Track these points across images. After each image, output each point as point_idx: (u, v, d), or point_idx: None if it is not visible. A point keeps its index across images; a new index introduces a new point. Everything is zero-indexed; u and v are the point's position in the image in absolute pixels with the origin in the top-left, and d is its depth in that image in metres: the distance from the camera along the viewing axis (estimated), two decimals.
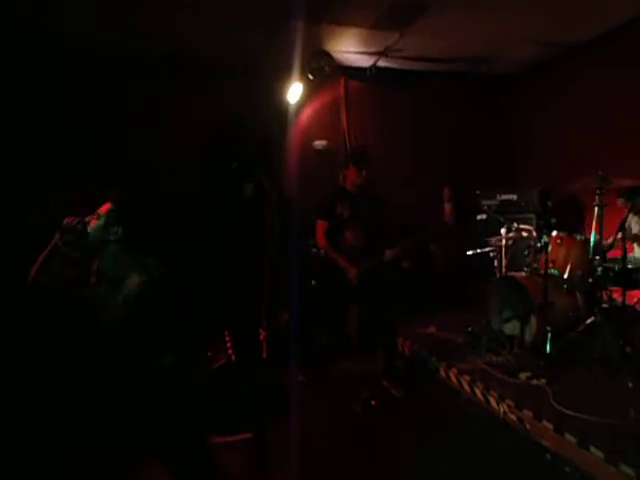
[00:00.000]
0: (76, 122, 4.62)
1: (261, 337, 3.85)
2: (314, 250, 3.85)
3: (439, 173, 5.97)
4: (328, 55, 5.04)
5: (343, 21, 4.48)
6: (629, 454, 2.30)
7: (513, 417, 3.01)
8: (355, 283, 3.57)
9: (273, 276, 4.61)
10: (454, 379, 3.67)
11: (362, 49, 5.19)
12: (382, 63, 5.55)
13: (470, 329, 4.30)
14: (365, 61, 5.52)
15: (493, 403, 3.20)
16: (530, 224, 4.73)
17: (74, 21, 4.27)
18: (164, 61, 4.92)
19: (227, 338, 3.47)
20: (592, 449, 2.43)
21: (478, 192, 5.68)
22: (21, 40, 4.52)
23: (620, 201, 3.92)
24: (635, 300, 3.72)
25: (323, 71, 5.06)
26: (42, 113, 4.54)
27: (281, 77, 5.08)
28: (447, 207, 6.01)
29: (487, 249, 4.87)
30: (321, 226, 3.72)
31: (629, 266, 3.59)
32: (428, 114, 6.06)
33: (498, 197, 5.54)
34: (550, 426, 2.73)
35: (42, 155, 4.48)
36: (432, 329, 4.76)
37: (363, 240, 3.67)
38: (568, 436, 2.59)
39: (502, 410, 3.11)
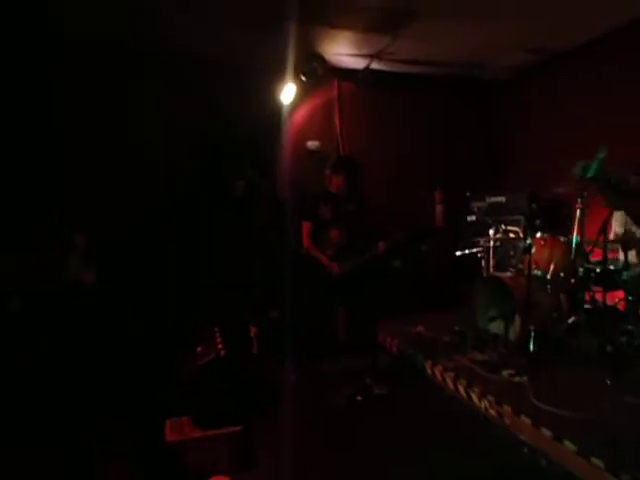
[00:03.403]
0: (64, 117, 4.67)
1: (251, 333, 3.95)
2: (303, 250, 3.95)
3: (430, 175, 6.07)
4: (321, 57, 5.13)
5: (336, 24, 4.56)
6: (600, 447, 2.38)
7: (493, 412, 3.10)
8: (337, 279, 3.69)
9: (264, 274, 4.72)
10: (439, 376, 3.76)
11: (355, 52, 5.27)
12: (375, 66, 5.63)
13: (457, 328, 4.39)
14: (358, 63, 5.60)
15: (475, 399, 3.29)
16: (518, 226, 4.83)
17: (57, 15, 4.26)
18: (155, 59, 4.95)
19: (217, 334, 3.54)
20: (566, 442, 2.51)
21: (468, 194, 5.77)
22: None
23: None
24: (616, 300, 3.81)
25: (316, 73, 5.14)
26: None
27: (274, 78, 5.15)
28: (438, 209, 6.12)
29: (475, 250, 4.97)
30: (306, 227, 3.88)
31: (610, 267, 3.70)
32: (419, 116, 6.15)
33: (487, 199, 5.63)
34: (528, 421, 2.81)
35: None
36: (420, 328, 4.85)
37: (347, 239, 3.81)
38: (544, 430, 2.68)
39: (483, 406, 3.20)
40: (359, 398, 3.56)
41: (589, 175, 3.20)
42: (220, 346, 3.40)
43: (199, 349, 3.50)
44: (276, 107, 5.32)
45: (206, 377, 3.25)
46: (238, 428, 2.93)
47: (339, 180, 3.84)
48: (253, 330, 3.98)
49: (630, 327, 3.53)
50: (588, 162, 3.44)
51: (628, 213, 3.82)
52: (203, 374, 3.27)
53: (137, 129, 4.85)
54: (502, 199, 5.52)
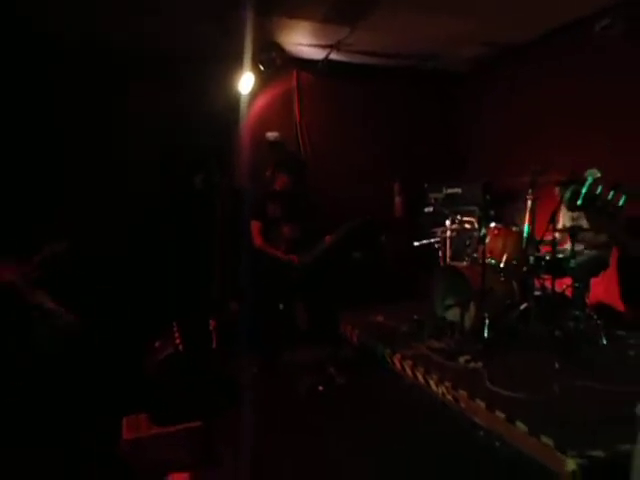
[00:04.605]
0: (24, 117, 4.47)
1: (210, 327, 3.90)
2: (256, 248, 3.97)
3: (389, 166, 6.13)
4: (279, 47, 5.07)
5: (293, 14, 4.51)
6: (550, 426, 2.49)
7: (450, 398, 3.19)
8: (297, 270, 3.72)
9: (223, 267, 4.65)
10: (398, 364, 3.83)
11: (314, 42, 5.24)
12: (334, 56, 5.62)
13: (415, 317, 4.49)
14: (317, 54, 5.57)
15: (433, 386, 3.37)
16: (473, 216, 4.96)
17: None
18: (109, 51, 4.80)
19: (175, 328, 3.47)
20: (518, 423, 2.62)
21: (426, 185, 5.88)
22: None
23: (556, 190, 4.15)
24: (564, 287, 3.99)
25: (274, 63, 5.08)
26: None
27: (232, 68, 5.05)
28: (397, 200, 6.20)
29: (433, 240, 5.07)
30: (256, 226, 3.93)
31: (559, 256, 3.86)
32: (379, 108, 6.19)
33: (444, 190, 5.75)
34: (483, 404, 2.91)
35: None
36: (379, 317, 4.92)
37: (299, 233, 3.89)
38: (498, 413, 2.78)
39: (441, 392, 3.28)
40: (320, 388, 3.58)
41: (579, 203, 3.26)
42: (178, 341, 3.33)
43: (157, 344, 3.43)
44: (234, 97, 5.22)
45: (164, 372, 3.18)
46: (198, 424, 2.89)
47: (283, 179, 4.00)
48: (212, 323, 3.92)
49: (577, 313, 3.71)
50: (577, 187, 3.44)
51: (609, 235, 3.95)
52: (161, 369, 3.20)
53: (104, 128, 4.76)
54: (458, 190, 5.65)
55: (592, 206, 3.21)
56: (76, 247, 3.88)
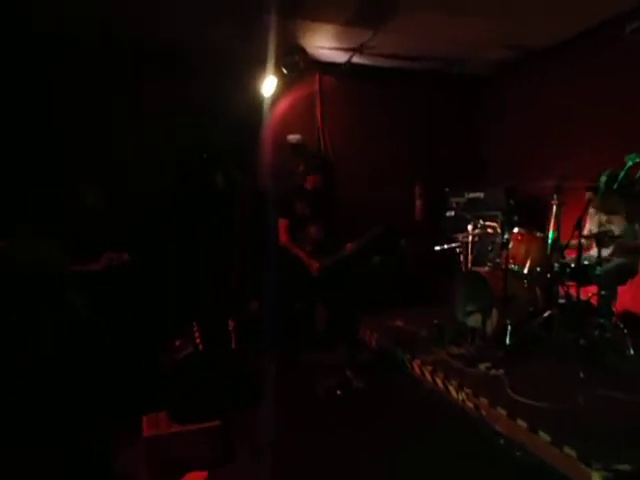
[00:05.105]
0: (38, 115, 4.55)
1: (230, 327, 3.92)
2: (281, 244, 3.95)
3: (411, 169, 6.09)
4: (302, 50, 5.08)
5: (317, 17, 4.52)
6: (573, 437, 2.44)
7: (470, 405, 3.14)
8: (317, 276, 3.71)
9: (243, 267, 4.68)
10: (417, 370, 3.79)
11: (336, 45, 5.24)
12: (356, 59, 5.61)
13: (435, 322, 4.44)
14: (339, 57, 5.57)
15: (453, 392, 3.33)
16: (496, 221, 4.89)
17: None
18: (134, 50, 4.86)
19: (195, 327, 3.50)
20: (541, 433, 2.57)
21: (447, 189, 5.83)
22: None
23: (588, 194, 4.04)
24: (589, 295, 3.90)
25: (297, 66, 5.10)
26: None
27: (255, 71, 5.09)
28: (418, 204, 6.16)
29: (454, 245, 5.02)
30: (283, 224, 3.89)
31: (585, 262, 3.77)
32: (401, 111, 6.16)
33: (466, 195, 5.70)
34: (504, 412, 2.86)
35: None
36: (399, 322, 4.88)
37: (326, 235, 3.85)
38: (520, 421, 2.73)
39: (461, 398, 3.24)
40: (338, 391, 3.57)
41: (615, 187, 3.13)
42: (198, 340, 3.36)
43: (177, 343, 3.46)
44: (257, 100, 5.26)
45: (184, 371, 3.21)
46: (217, 423, 2.91)
47: (315, 178, 3.92)
48: (231, 323, 3.95)
49: (602, 321, 3.62)
50: (615, 170, 3.27)
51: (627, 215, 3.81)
52: (181, 368, 3.23)
53: (121, 125, 4.79)
54: (481, 195, 5.58)
55: (629, 191, 3.09)
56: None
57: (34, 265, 3.10)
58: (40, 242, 3.21)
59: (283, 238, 3.87)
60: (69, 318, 3.17)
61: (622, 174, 3.05)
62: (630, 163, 3.07)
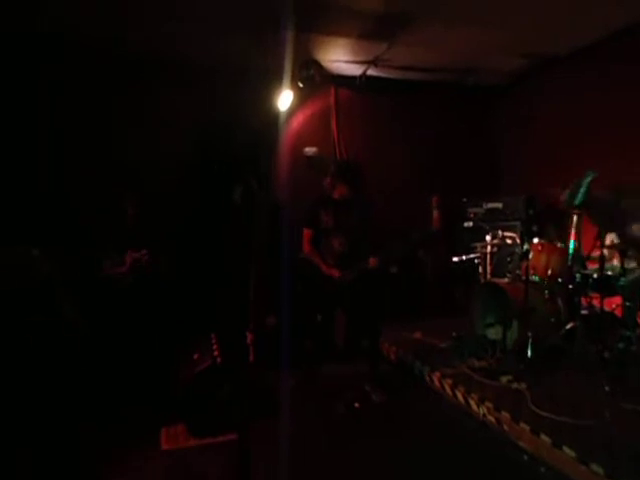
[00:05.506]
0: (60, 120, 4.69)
1: (248, 340, 3.91)
2: (301, 255, 3.93)
3: (427, 180, 6.06)
4: (318, 64, 5.13)
5: (331, 31, 4.57)
6: (600, 454, 2.37)
7: (492, 419, 3.08)
8: (338, 285, 3.66)
9: (261, 280, 4.68)
10: (437, 383, 3.74)
11: (351, 58, 5.29)
12: (372, 72, 5.65)
13: (454, 334, 4.38)
14: (355, 70, 5.62)
15: (473, 406, 3.27)
16: (515, 231, 4.83)
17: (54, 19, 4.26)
18: (151, 63, 4.95)
19: (213, 341, 3.51)
20: (565, 449, 2.50)
21: (464, 200, 5.79)
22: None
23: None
24: (613, 306, 3.81)
25: (313, 79, 5.14)
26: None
27: (271, 84, 5.16)
28: (435, 214, 6.11)
29: (472, 256, 4.97)
30: (307, 234, 3.83)
31: (608, 273, 3.70)
32: (417, 123, 6.16)
33: (484, 205, 5.65)
34: (527, 427, 2.80)
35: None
36: (418, 334, 4.83)
37: (348, 247, 3.76)
38: (543, 437, 2.66)
39: (482, 412, 3.18)
40: (357, 405, 3.53)
41: (577, 202, 3.16)
42: (216, 353, 3.37)
43: (196, 356, 3.47)
44: (273, 113, 5.32)
45: (202, 384, 3.22)
46: (234, 436, 2.90)
47: (343, 188, 3.73)
48: (250, 337, 3.95)
49: (628, 333, 3.52)
50: (575, 190, 3.37)
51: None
52: (199, 381, 3.24)
53: (137, 136, 4.88)
54: (499, 205, 5.53)
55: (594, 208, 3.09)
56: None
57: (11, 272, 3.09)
58: (17, 249, 3.22)
59: (306, 248, 3.83)
60: (60, 327, 3.17)
61: (583, 189, 3.07)
62: (589, 179, 3.09)
